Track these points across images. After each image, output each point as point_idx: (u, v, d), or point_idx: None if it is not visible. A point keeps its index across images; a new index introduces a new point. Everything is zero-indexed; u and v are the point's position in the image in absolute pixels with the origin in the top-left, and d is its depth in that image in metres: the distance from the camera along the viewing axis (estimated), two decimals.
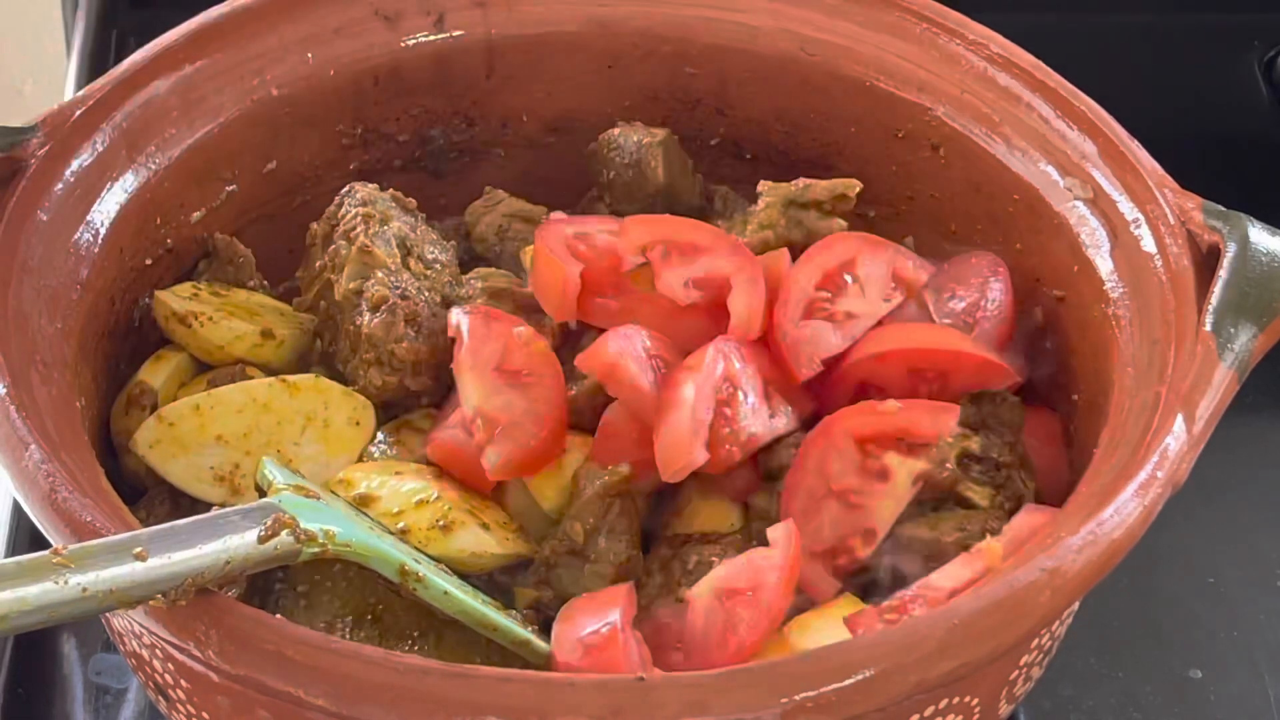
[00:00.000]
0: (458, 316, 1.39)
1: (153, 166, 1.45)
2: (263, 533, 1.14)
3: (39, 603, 1.04)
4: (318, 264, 1.46)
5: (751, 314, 1.38)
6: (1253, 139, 2.01)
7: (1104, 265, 1.38)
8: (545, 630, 1.26)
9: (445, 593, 1.22)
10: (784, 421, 1.36)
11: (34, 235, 1.34)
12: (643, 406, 1.34)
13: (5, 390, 1.22)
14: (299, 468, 1.35)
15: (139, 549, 1.08)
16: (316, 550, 1.16)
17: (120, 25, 2.04)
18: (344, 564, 1.23)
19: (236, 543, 1.12)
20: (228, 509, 1.16)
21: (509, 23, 1.58)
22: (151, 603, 1.09)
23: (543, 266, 1.41)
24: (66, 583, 1.05)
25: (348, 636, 1.25)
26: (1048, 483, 1.38)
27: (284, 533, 1.14)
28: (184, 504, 1.35)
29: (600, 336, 1.37)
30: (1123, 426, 1.25)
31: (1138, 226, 1.37)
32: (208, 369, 1.43)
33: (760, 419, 1.34)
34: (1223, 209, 1.34)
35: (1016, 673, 1.25)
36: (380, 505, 1.30)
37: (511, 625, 1.24)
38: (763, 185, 1.49)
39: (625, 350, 1.35)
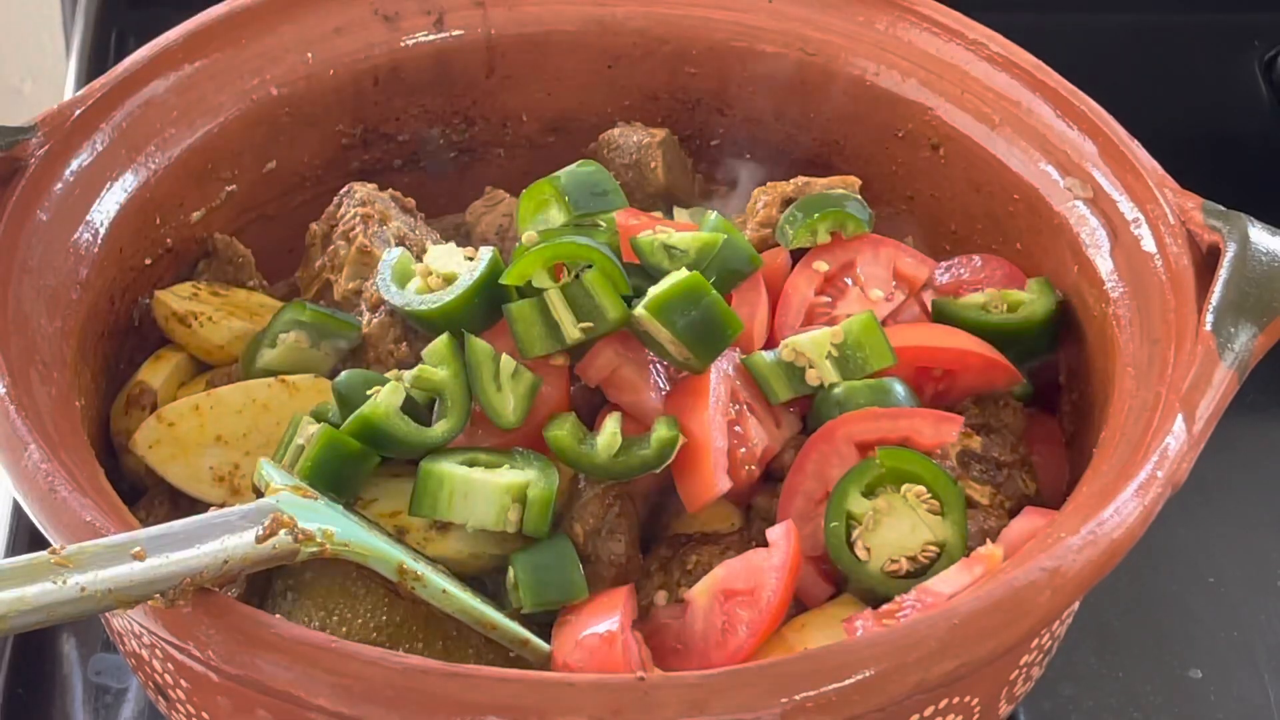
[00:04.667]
0: None
1: (152, 166, 1.45)
2: (261, 532, 1.14)
3: (38, 602, 1.04)
4: (317, 264, 1.46)
5: (753, 322, 1.37)
6: (1253, 139, 2.01)
7: (1104, 265, 1.38)
8: (545, 630, 1.26)
9: (444, 591, 1.22)
10: (788, 426, 1.35)
11: (34, 235, 1.34)
12: (644, 412, 1.33)
13: (5, 390, 1.22)
14: None
15: (137, 549, 1.08)
16: (315, 550, 1.16)
17: (120, 25, 2.04)
18: (342, 564, 1.23)
19: (235, 542, 1.12)
20: (226, 509, 1.16)
21: (509, 22, 1.58)
22: (150, 603, 1.09)
23: None
24: (65, 582, 1.05)
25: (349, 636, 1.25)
26: (1048, 483, 1.38)
27: (282, 532, 1.14)
28: (184, 504, 1.35)
29: (601, 341, 1.36)
30: (1123, 426, 1.25)
31: (1138, 226, 1.37)
32: (208, 369, 1.43)
33: (768, 429, 1.34)
34: (1223, 209, 1.34)
35: (1016, 673, 1.25)
36: (378, 505, 1.30)
37: (511, 625, 1.24)
38: (762, 185, 1.49)
39: (626, 355, 1.34)
